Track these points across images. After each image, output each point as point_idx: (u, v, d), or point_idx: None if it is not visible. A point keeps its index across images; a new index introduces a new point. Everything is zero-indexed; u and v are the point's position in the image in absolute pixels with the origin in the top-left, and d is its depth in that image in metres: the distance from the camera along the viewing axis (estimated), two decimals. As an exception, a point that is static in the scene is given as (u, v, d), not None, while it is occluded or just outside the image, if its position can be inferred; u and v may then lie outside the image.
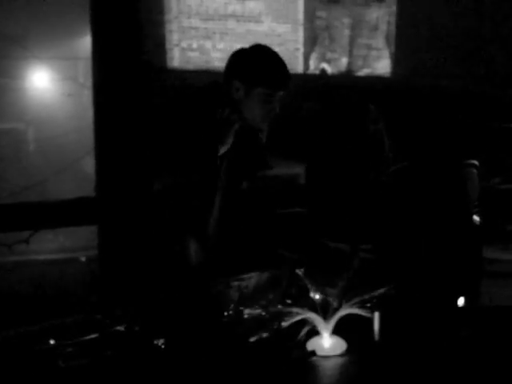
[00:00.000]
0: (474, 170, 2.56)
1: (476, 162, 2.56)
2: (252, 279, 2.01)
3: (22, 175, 5.99)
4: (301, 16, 5.53)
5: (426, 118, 4.47)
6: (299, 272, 2.15)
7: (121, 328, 2.11)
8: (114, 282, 4.38)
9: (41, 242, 5.45)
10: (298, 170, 5.09)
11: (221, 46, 5.32)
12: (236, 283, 1.98)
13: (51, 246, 5.81)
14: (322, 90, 5.47)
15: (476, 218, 2.51)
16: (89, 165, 5.53)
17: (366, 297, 2.04)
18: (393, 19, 5.79)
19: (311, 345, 2.04)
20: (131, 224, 4.77)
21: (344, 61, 5.71)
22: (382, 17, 5.77)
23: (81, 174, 5.91)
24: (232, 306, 2.01)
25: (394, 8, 5.76)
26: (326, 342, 2.05)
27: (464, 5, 5.86)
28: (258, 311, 2.04)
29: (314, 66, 5.61)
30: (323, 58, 5.64)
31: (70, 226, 5.32)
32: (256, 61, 2.39)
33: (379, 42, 5.80)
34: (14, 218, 4.88)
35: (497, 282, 3.35)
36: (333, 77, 5.65)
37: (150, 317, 2.13)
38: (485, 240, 2.90)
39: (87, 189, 5.22)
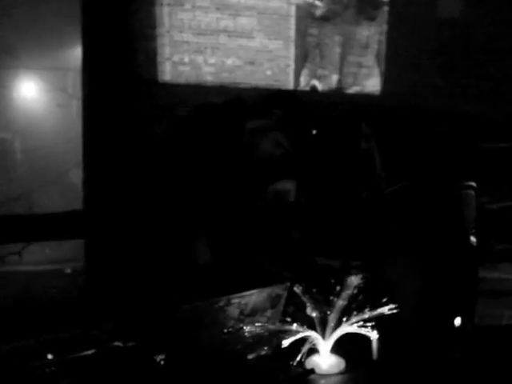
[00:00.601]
0: (472, 192, 2.60)
1: (474, 184, 2.61)
2: (252, 296, 2.03)
3: (7, 186, 5.96)
4: (292, 33, 5.58)
5: (417, 137, 4.54)
6: (297, 289, 2.17)
7: (119, 344, 2.12)
8: (101, 295, 4.37)
9: (27, 254, 5.41)
10: (289, 185, 5.11)
11: (212, 60, 5.35)
12: (236, 300, 1.99)
13: (36, 257, 5.77)
14: (312, 106, 5.51)
15: (473, 238, 2.55)
16: (77, 177, 5.52)
17: (365, 316, 2.07)
18: (383, 38, 5.85)
19: (310, 363, 2.07)
20: (119, 236, 4.77)
21: (334, 78, 5.77)
22: (373, 35, 5.84)
23: (68, 186, 5.89)
24: (232, 322, 2.03)
25: (384, 27, 5.84)
26: (325, 361, 2.07)
27: (455, 24, 5.96)
28: (257, 328, 2.06)
29: (304, 83, 5.66)
30: (314, 75, 5.69)
31: (57, 239, 5.31)
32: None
33: (369, 59, 5.86)
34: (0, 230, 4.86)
35: (487, 301, 3.40)
36: (323, 94, 5.70)
37: (147, 332, 2.14)
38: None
39: (75, 201, 5.20)
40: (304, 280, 2.19)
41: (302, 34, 5.60)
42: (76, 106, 5.72)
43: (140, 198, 4.89)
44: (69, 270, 5.87)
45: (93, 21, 5.08)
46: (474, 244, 2.54)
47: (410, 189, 2.64)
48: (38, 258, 5.75)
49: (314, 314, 2.14)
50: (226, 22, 5.36)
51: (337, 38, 5.72)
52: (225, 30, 5.37)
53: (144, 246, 3.70)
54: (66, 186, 5.89)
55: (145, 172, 4.97)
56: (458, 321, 2.39)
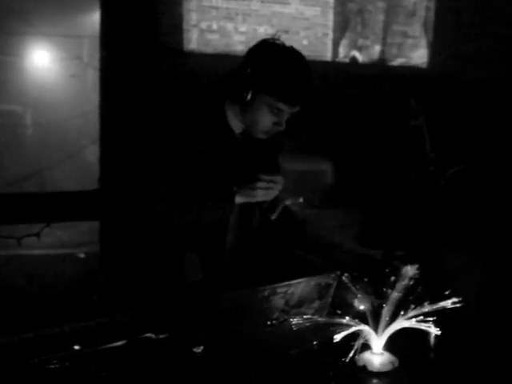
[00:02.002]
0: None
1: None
2: (299, 286, 2.02)
3: (18, 163, 5.99)
4: (331, -2, 5.54)
5: (470, 113, 4.47)
6: (347, 280, 2.15)
7: (151, 335, 2.12)
8: (116, 282, 4.39)
9: (35, 237, 5.45)
10: (325, 166, 5.10)
11: (243, 28, 5.32)
12: (282, 289, 1.98)
13: (47, 240, 5.81)
14: (351, 79, 5.47)
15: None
16: (93, 154, 5.53)
17: (425, 309, 2.05)
18: (431, 5, 5.78)
19: (361, 360, 2.05)
20: (135, 220, 4.77)
21: (377, 49, 5.72)
22: (420, 2, 5.77)
23: (84, 164, 5.90)
24: (277, 314, 2.02)
25: (433, -8, 5.76)
26: (378, 358, 2.06)
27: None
28: (303, 321, 2.05)
29: (343, 54, 5.61)
30: (354, 45, 5.64)
31: (71, 220, 5.34)
32: (274, 65, 2.22)
33: (416, 29, 5.79)
34: (10, 210, 4.90)
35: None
36: (364, 66, 5.65)
37: (184, 323, 2.14)
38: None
39: (90, 181, 5.22)
40: (355, 269, 2.17)
41: (341, -1, 5.56)
42: (92, 77, 5.71)
43: (162, 178, 4.89)
44: (82, 255, 5.92)
45: (112, -17, 5.07)
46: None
47: (468, 172, 2.60)
48: (49, 241, 5.79)
49: (365, 307, 2.12)
50: (259, -14, 5.33)
51: (380, 5, 5.66)
52: (257, -5, 5.34)
53: (170, 228, 3.71)
54: (81, 164, 5.91)
55: (168, 150, 4.97)
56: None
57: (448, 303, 2.01)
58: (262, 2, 5.35)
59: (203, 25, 5.23)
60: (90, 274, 5.32)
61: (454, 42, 5.64)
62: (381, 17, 5.68)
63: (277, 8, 5.40)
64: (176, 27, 5.15)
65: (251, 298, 1.95)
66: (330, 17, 5.55)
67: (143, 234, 2.53)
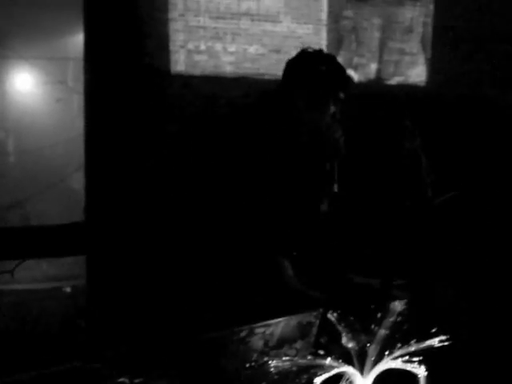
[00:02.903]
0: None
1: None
2: (279, 325, 2.00)
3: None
4: (324, 15, 5.55)
5: (471, 135, 4.47)
6: (331, 316, 2.13)
7: (125, 380, 2.09)
8: (104, 317, 4.37)
9: (21, 270, 5.43)
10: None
11: (232, 48, 5.34)
12: (260, 330, 1.96)
13: (33, 274, 5.80)
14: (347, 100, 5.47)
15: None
16: (78, 182, 5.54)
17: (411, 348, 2.02)
18: (429, 20, 5.80)
19: (346, 403, 2.02)
20: (127, 252, 4.76)
21: (373, 67, 5.73)
22: (417, 17, 5.79)
23: (68, 194, 5.91)
24: (255, 356, 2.00)
25: (431, 7, 5.78)
26: (364, 401, 2.03)
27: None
28: (284, 363, 2.02)
29: (338, 73, 5.61)
30: (349, 64, 5.65)
31: (55, 256, 5.32)
32: (311, 63, 2.76)
33: (413, 46, 5.81)
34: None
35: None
36: (360, 85, 5.66)
37: (158, 365, 2.11)
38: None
39: (75, 211, 5.21)
40: (340, 305, 2.15)
41: (335, 16, 5.57)
42: (77, 101, 5.73)
43: (152, 206, 4.89)
44: (68, 289, 5.90)
45: (96, 3, 5.10)
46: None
47: (463, 199, 2.59)
48: (34, 274, 5.78)
49: (350, 346, 2.09)
50: (249, 4, 5.36)
51: (375, 21, 5.68)
52: (247, 13, 5.36)
53: (157, 262, 3.68)
54: (65, 192, 5.91)
55: (157, 176, 4.97)
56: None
57: (435, 341, 1.98)
58: (252, 20, 5.37)
59: (190, 45, 5.25)
60: (76, 309, 5.30)
61: (454, 58, 5.65)
62: (376, 34, 5.70)
63: (267, 26, 5.42)
64: (162, 48, 5.17)
65: (227, 340, 1.93)
66: (324, 35, 5.57)
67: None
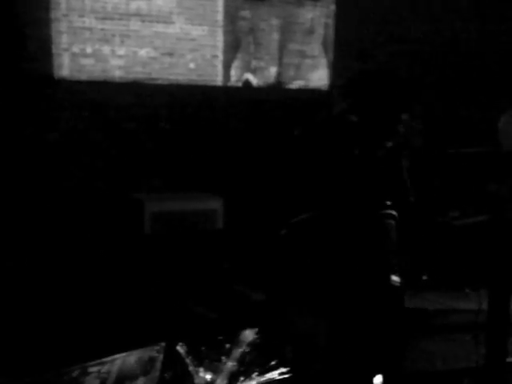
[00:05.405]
0: (392, 222, 2.63)
1: (394, 213, 2.63)
2: (116, 362, 2.03)
3: None
4: (220, 16, 5.61)
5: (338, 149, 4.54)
6: (180, 349, 2.17)
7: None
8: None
9: None
10: (216, 204, 5.12)
11: (122, 51, 5.33)
12: (94, 369, 1.99)
13: None
14: (244, 105, 5.52)
15: (395, 278, 2.56)
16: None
17: (253, 382, 2.08)
18: (331, 21, 5.90)
19: None
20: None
21: (272, 71, 5.80)
22: (318, 18, 5.89)
23: None
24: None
25: (332, 8, 5.89)
26: None
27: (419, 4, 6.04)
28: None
29: (236, 77, 5.68)
30: (247, 68, 5.71)
31: None
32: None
33: (315, 48, 5.90)
34: None
35: (450, 338, 3.46)
36: (259, 90, 5.71)
37: None
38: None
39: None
40: (188, 337, 2.20)
41: (231, 17, 5.63)
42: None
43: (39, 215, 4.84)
44: None
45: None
46: (397, 284, 2.55)
47: (317, 220, 2.65)
48: None
49: (198, 381, 2.14)
50: (139, 4, 5.36)
51: (274, 22, 5.75)
52: (137, 14, 5.36)
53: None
54: None
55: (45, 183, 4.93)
56: (378, 380, 2.42)
57: (276, 374, 2.04)
58: (143, 21, 5.37)
59: (75, 48, 5.21)
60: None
61: (356, 61, 5.76)
62: (275, 35, 5.78)
63: (159, 28, 5.43)
64: (44, 51, 5.11)
65: (56, 382, 1.95)
66: (220, 37, 5.62)
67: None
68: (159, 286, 4.00)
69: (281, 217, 3.85)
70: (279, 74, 5.82)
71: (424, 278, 4.05)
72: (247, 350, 2.13)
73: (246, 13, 5.68)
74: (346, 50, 5.84)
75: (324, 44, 5.93)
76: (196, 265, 4.42)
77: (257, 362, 2.13)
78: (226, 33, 5.63)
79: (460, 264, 3.57)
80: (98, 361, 1.99)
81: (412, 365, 3.13)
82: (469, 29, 6.18)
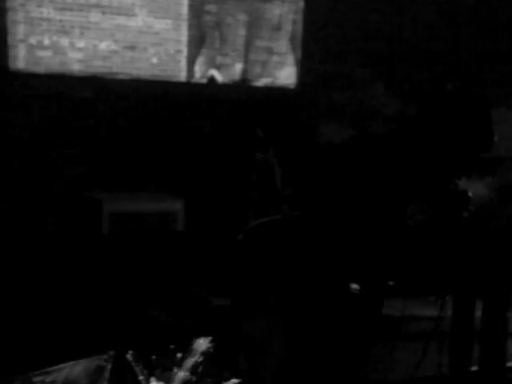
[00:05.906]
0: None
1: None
2: (61, 372, 1.92)
3: None
4: (185, 10, 5.51)
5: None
6: (130, 358, 2.08)
7: None
8: None
9: None
10: (177, 205, 5.04)
11: (81, 44, 5.22)
12: (39, 378, 1.88)
13: None
14: (209, 103, 5.45)
15: (354, 285, 2.50)
16: None
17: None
18: (299, 17, 5.85)
19: None
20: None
21: (238, 67, 5.73)
22: (286, 14, 5.84)
23: None
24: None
25: (300, 4, 5.84)
26: None
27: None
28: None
29: (200, 73, 5.60)
30: (212, 64, 5.64)
31: None
32: None
33: (282, 44, 5.85)
34: None
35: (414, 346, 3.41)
36: (223, 87, 5.65)
37: None
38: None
39: None
40: (139, 345, 2.10)
41: (196, 11, 5.53)
42: None
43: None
44: None
45: None
46: (356, 292, 2.49)
47: (275, 224, 2.57)
48: None
49: (150, 388, 2.04)
50: (100, -5, 5.26)
51: (241, 17, 5.68)
52: (97, 5, 5.25)
53: None
54: None
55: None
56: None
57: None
58: (104, 13, 5.27)
59: (32, 40, 5.09)
60: None
61: (324, 59, 5.71)
62: (242, 31, 5.71)
63: (121, 20, 5.33)
64: (-1, 42, 4.99)
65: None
66: (184, 31, 5.52)
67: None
68: (116, 289, 3.90)
69: (242, 220, 3.77)
70: (245, 71, 5.74)
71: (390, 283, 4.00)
72: (200, 360, 2.04)
73: (211, 7, 5.59)
74: (314, 48, 5.78)
75: (292, 41, 5.87)
76: (155, 267, 4.32)
77: (210, 372, 2.04)
78: (190, 27, 5.53)
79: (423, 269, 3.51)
80: (43, 370, 1.88)
81: (375, 374, 3.08)
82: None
